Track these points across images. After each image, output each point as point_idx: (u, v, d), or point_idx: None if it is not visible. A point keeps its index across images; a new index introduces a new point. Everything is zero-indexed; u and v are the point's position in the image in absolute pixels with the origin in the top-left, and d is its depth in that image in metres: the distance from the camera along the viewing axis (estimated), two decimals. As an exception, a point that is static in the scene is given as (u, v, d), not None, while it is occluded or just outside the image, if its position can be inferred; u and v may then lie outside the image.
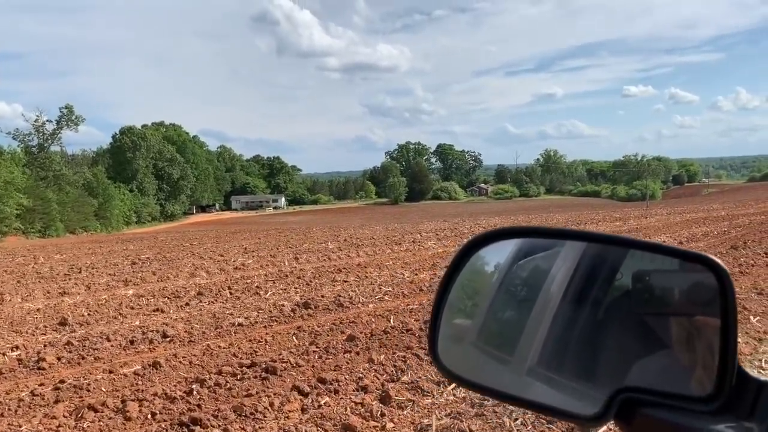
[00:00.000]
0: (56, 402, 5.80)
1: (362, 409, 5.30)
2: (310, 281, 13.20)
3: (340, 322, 8.79)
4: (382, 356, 6.76)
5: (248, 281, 13.56)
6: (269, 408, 5.26)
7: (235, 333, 8.61)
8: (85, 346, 8.01)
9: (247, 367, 6.62)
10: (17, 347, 8.12)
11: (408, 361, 6.55)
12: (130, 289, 13.21)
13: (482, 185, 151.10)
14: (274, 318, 9.44)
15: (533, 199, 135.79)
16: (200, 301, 11.30)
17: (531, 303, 1.08)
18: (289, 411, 5.25)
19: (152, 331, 8.75)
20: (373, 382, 5.93)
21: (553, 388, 0.97)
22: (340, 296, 10.86)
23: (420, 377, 6.04)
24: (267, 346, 7.69)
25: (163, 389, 5.92)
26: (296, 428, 4.90)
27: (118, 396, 5.84)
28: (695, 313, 0.89)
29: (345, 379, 6.01)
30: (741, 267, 12.00)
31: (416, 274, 13.47)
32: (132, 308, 10.85)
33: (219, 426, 4.95)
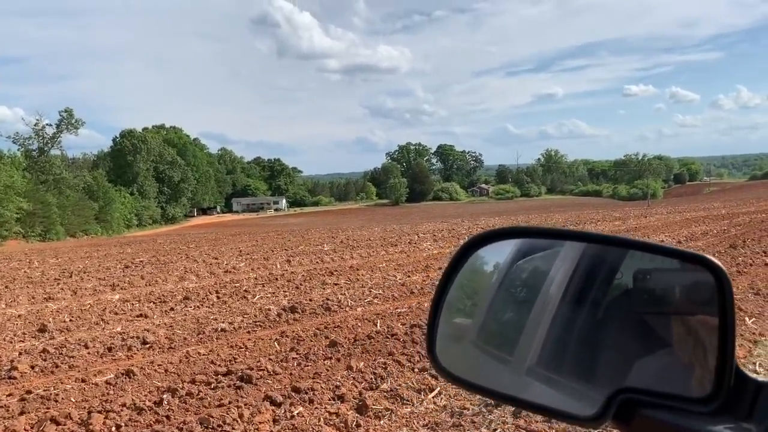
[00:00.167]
0: (21, 414, 5.57)
1: (337, 420, 5.08)
2: (300, 284, 12.98)
3: (325, 327, 8.57)
4: (362, 363, 6.54)
5: (237, 285, 13.34)
6: (238, 420, 5.03)
7: (217, 339, 8.39)
8: (61, 353, 7.79)
9: (223, 375, 6.40)
10: (-9, 355, 7.90)
11: (389, 368, 6.33)
12: (117, 293, 13.00)
13: (483, 186, 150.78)
14: (258, 323, 9.22)
15: (534, 199, 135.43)
16: (186, 306, 11.08)
17: (530, 303, 1.08)
18: (260, 422, 5.02)
19: (132, 337, 8.53)
20: (350, 391, 5.71)
21: (552, 388, 0.97)
22: (328, 300, 10.64)
23: (400, 385, 5.82)
24: (247, 353, 7.47)
25: (132, 400, 5.70)
26: (264, 441, 4.68)
27: (85, 407, 5.62)
28: (695, 312, 0.89)
29: (321, 387, 5.78)
30: (739, 266, 11.80)
31: (408, 276, 13.26)
32: (116, 313, 10.63)
33: (184, 439, 4.74)
